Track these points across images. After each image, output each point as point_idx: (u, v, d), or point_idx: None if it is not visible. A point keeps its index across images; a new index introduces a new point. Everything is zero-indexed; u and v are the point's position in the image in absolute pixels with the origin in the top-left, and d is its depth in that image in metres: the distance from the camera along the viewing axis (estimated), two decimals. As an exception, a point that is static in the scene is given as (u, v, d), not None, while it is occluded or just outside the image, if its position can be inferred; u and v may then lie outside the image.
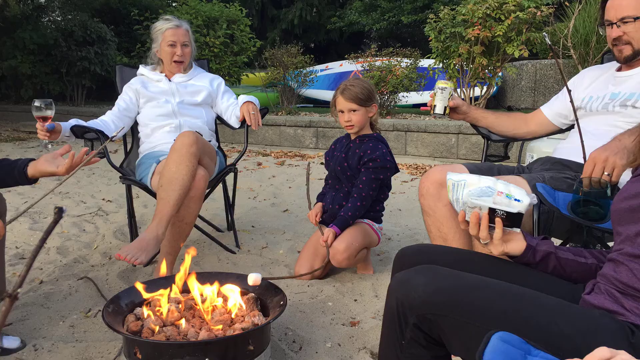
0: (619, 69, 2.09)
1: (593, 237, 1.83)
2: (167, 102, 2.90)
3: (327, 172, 2.77)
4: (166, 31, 2.91)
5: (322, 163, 5.83)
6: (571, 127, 2.31)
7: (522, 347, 0.96)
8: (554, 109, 2.32)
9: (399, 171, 2.74)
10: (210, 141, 2.87)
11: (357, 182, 2.56)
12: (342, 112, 2.56)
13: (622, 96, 1.98)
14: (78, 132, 2.59)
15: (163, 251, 2.45)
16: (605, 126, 1.92)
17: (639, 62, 2.00)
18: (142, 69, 3.05)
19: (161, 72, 3.01)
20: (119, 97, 2.97)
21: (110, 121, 2.82)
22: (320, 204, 2.68)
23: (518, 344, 0.97)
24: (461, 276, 1.20)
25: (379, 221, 2.69)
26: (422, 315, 1.15)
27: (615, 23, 1.93)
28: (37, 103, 2.37)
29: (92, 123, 2.73)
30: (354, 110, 2.53)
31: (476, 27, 5.77)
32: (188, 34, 2.96)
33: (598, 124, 1.99)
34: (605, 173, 1.67)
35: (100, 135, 2.67)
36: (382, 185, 2.62)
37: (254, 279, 1.87)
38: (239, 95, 3.05)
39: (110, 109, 2.91)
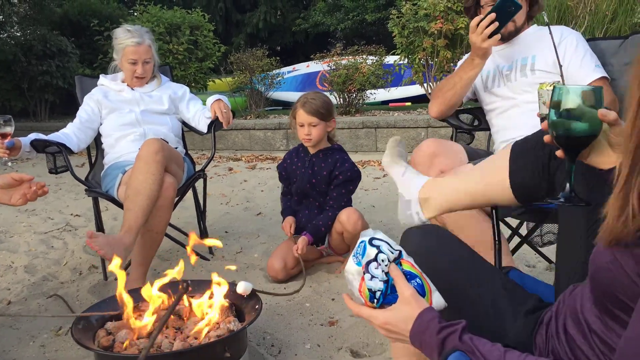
0: None
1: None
2: (130, 112, 2.84)
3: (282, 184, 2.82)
4: (126, 48, 2.82)
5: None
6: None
7: None
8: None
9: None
10: (177, 148, 2.82)
11: (331, 196, 2.59)
12: (302, 125, 2.56)
13: (516, 64, 2.16)
14: (39, 146, 2.52)
15: (135, 262, 2.39)
16: (515, 107, 2.16)
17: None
18: (102, 79, 2.97)
19: (123, 82, 2.95)
20: (80, 108, 2.89)
21: (72, 133, 2.75)
22: (291, 217, 2.65)
23: None
24: (452, 243, 1.24)
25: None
26: None
27: None
28: None
29: (53, 136, 2.66)
30: (314, 125, 2.55)
31: (438, 21, 5.82)
32: (150, 50, 2.88)
33: (510, 106, 2.18)
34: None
35: (62, 149, 2.61)
36: None
37: (243, 287, 1.82)
38: (206, 100, 3.00)
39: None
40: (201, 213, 3.16)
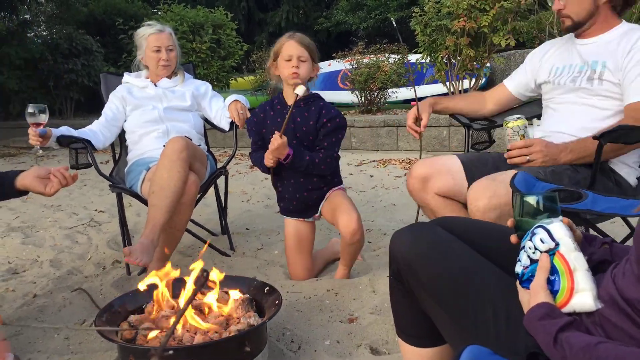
0: (578, 36, 2.13)
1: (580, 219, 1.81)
2: (153, 109, 2.87)
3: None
4: (149, 37, 2.87)
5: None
6: (532, 102, 2.43)
7: (491, 359, 0.96)
8: (519, 82, 2.36)
9: None
10: (199, 145, 2.84)
11: (321, 145, 2.35)
12: (290, 59, 2.29)
13: (587, 68, 2.02)
14: (64, 142, 2.57)
15: (155, 258, 2.42)
16: (573, 105, 2.04)
17: (595, 32, 2.06)
18: (127, 77, 3.02)
19: (146, 78, 2.98)
20: (106, 106, 2.94)
21: (98, 132, 2.79)
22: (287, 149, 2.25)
23: (487, 356, 0.97)
24: (446, 248, 1.24)
25: (341, 182, 2.56)
26: (397, 268, 1.30)
27: None
28: (30, 109, 2.37)
29: (81, 132, 2.71)
30: (303, 60, 2.30)
31: (461, 19, 5.76)
32: (172, 38, 2.93)
33: (566, 102, 2.07)
34: (527, 158, 1.87)
35: (88, 145, 2.65)
36: None
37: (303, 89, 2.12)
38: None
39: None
40: (222, 210, 3.19)
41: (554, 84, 2.14)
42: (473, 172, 2.02)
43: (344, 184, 2.59)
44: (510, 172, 1.84)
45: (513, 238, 1.17)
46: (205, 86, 3.07)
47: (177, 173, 2.37)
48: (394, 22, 2.04)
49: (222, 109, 2.97)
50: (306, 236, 2.52)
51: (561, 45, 2.21)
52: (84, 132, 2.72)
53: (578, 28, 2.05)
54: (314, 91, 2.47)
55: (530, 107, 2.45)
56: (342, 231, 2.35)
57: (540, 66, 2.24)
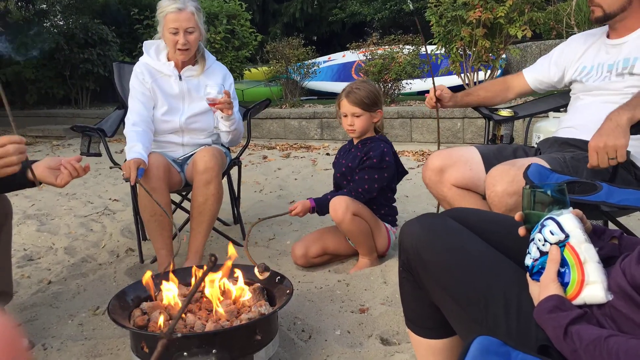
0: (609, 36, 2.06)
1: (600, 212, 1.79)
2: (174, 116, 2.68)
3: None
4: (167, 16, 2.53)
5: (327, 154, 5.80)
6: (552, 93, 2.39)
7: (501, 350, 0.95)
8: (536, 75, 2.33)
9: (406, 173, 2.69)
10: (215, 139, 2.82)
11: (352, 178, 2.50)
12: (346, 115, 2.49)
13: (617, 65, 1.96)
14: (78, 129, 2.60)
15: (155, 247, 2.54)
16: (603, 102, 1.93)
17: (627, 29, 1.98)
18: (147, 58, 2.69)
19: (169, 60, 2.69)
20: (133, 92, 2.64)
21: (148, 130, 2.61)
22: (307, 202, 2.50)
23: (497, 347, 0.96)
24: (457, 239, 1.22)
25: (393, 224, 2.66)
26: (407, 259, 1.29)
27: None
28: None
29: (142, 142, 2.50)
30: (358, 115, 2.46)
31: (477, 10, 5.71)
32: (194, 18, 2.56)
33: (597, 98, 1.99)
34: (610, 158, 1.64)
35: (101, 134, 2.67)
36: (383, 187, 2.53)
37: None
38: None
39: (114, 109, 2.87)
40: (235, 200, 3.20)
41: (582, 82, 2.08)
42: (492, 163, 1.97)
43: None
44: (531, 159, 1.81)
45: (521, 230, 1.16)
46: (229, 81, 2.82)
47: (212, 196, 2.49)
48: (410, 6, 2.02)
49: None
50: None
51: (591, 44, 2.12)
52: (142, 139, 2.52)
53: (608, 20, 1.96)
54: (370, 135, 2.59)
55: (557, 98, 2.43)
56: (332, 213, 2.42)
57: (570, 65, 2.17)
